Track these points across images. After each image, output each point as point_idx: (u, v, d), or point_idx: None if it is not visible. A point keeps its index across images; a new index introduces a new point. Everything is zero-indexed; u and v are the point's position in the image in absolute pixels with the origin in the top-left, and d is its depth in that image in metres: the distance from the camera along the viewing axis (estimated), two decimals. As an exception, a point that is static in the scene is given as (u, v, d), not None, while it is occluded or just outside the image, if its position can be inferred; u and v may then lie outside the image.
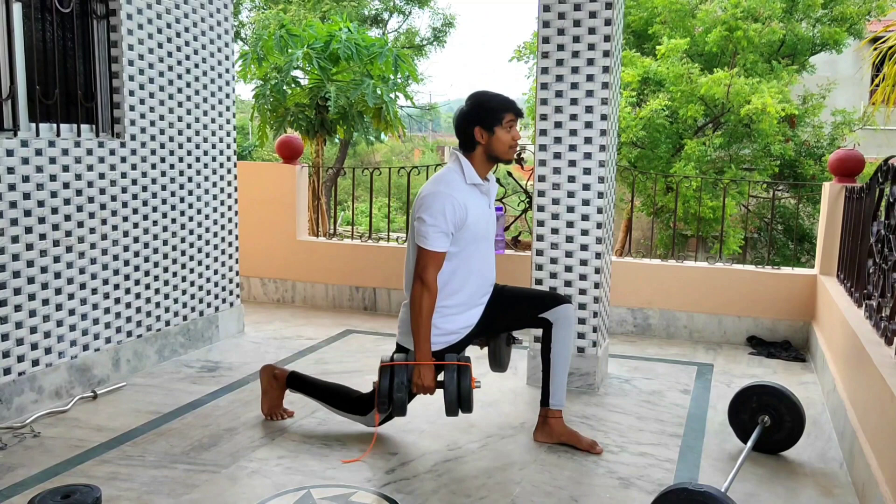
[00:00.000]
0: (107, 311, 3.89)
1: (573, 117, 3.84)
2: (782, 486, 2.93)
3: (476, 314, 3.16)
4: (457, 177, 3.04)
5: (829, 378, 3.81)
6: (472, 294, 3.13)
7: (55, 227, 3.57)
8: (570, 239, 3.92)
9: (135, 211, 4.04)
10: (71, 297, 3.67)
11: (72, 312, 3.68)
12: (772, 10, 11.14)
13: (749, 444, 3.07)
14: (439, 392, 3.05)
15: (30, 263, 3.44)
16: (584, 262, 3.91)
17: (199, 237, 4.56)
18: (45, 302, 3.54)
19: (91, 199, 3.76)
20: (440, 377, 3.06)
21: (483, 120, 3.03)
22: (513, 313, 3.21)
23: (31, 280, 3.45)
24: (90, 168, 3.75)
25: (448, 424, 3.44)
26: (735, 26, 11.06)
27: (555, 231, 3.94)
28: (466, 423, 3.44)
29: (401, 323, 3.15)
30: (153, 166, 4.15)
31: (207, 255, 4.64)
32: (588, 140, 3.83)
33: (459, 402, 2.97)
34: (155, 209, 4.18)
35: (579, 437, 3.22)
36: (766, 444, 3.20)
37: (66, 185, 3.61)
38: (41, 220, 3.49)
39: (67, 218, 3.63)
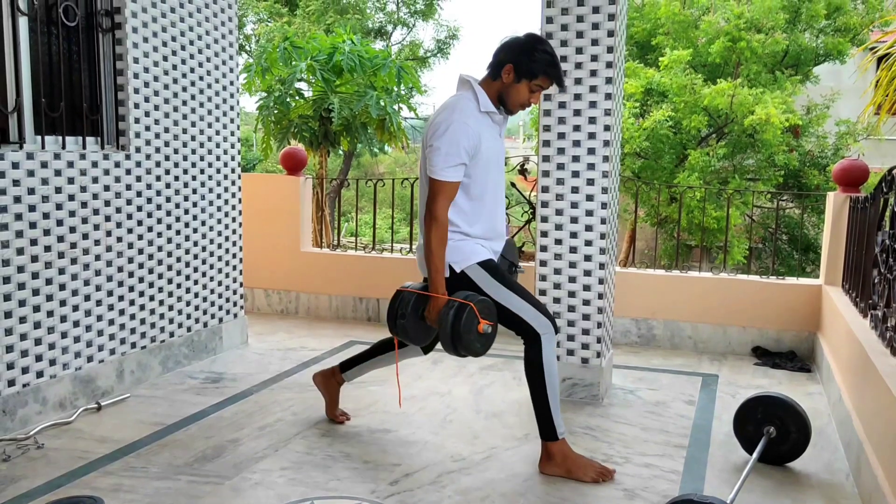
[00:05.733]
0: (111, 322, 3.90)
1: (576, 128, 3.85)
2: (788, 498, 2.91)
3: (498, 245, 3.16)
4: (470, 104, 2.97)
5: (835, 388, 3.79)
6: (491, 223, 3.09)
7: (60, 239, 3.58)
8: (573, 249, 3.92)
9: (139, 223, 4.05)
10: (75, 308, 3.68)
11: (76, 324, 3.69)
12: (775, 21, 11.17)
13: (754, 455, 3.05)
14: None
15: (34, 275, 3.45)
16: (587, 273, 3.91)
17: (204, 249, 4.57)
18: (50, 313, 3.54)
19: (96, 211, 3.77)
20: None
21: (520, 65, 2.93)
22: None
23: (35, 291, 3.46)
24: (95, 180, 3.76)
25: (452, 435, 3.44)
26: (738, 37, 11.09)
27: (558, 242, 3.94)
28: (471, 433, 3.43)
29: (417, 253, 3.14)
30: (158, 178, 4.17)
31: (211, 267, 4.65)
32: (591, 151, 3.84)
33: (452, 339, 2.88)
34: (159, 221, 4.19)
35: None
36: (772, 456, 3.18)
37: (71, 197, 3.63)
38: (46, 232, 3.50)
39: (73, 229, 3.64)
